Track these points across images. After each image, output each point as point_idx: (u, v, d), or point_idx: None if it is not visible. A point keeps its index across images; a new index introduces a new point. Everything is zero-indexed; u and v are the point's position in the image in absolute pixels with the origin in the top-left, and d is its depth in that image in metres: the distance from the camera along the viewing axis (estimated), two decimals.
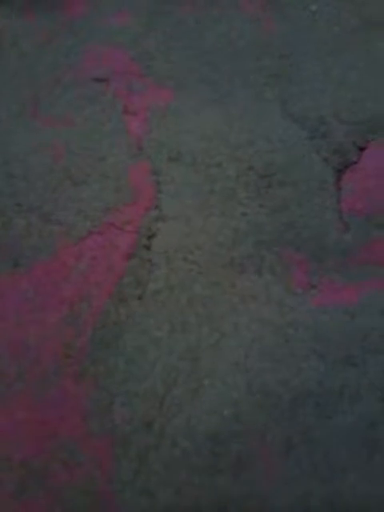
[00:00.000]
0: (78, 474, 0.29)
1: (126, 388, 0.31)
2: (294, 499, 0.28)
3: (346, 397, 0.30)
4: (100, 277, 0.34)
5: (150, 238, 0.36)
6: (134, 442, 0.29)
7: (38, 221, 0.37)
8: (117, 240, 0.36)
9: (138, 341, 0.32)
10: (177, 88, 0.43)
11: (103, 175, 0.39)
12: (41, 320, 0.33)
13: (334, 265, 0.35)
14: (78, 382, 0.31)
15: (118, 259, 0.35)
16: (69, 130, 0.42)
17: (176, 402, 0.30)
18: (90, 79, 0.45)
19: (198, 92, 0.42)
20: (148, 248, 0.35)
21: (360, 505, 0.28)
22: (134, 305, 0.33)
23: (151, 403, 0.31)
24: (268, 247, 0.35)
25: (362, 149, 0.39)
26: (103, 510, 0.28)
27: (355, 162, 0.39)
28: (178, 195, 0.38)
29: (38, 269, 0.35)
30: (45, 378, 0.31)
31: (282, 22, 0.47)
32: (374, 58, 0.44)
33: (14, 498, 0.28)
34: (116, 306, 0.33)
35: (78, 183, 0.39)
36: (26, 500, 0.28)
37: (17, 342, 0.32)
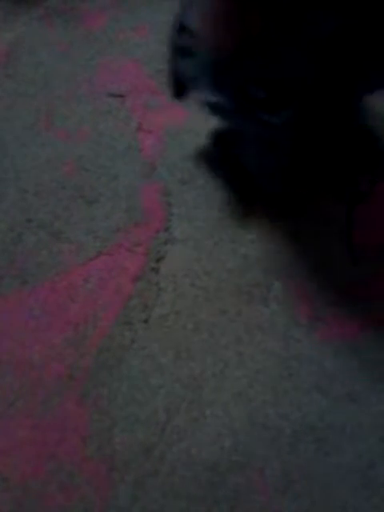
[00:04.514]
0: (75, 498, 0.29)
1: (127, 413, 0.31)
2: None
3: (346, 434, 0.30)
4: (107, 299, 0.34)
5: (158, 260, 0.36)
6: (133, 467, 0.29)
7: (47, 238, 0.37)
8: (125, 262, 0.36)
9: (141, 366, 0.32)
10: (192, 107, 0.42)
11: (115, 194, 0.39)
12: (46, 339, 0.33)
13: (341, 298, 0.35)
14: (79, 404, 0.31)
15: (126, 281, 0.35)
16: (82, 146, 0.42)
17: (177, 429, 0.30)
18: (106, 94, 0.45)
19: None
20: (156, 271, 0.35)
21: None
22: (139, 329, 0.33)
23: (152, 430, 0.30)
24: (276, 276, 0.35)
25: (374, 182, 0.39)
26: None
27: (367, 195, 0.39)
28: (189, 218, 0.38)
29: (46, 287, 0.35)
30: (47, 398, 0.31)
31: None
32: None
33: None
34: (121, 329, 0.33)
35: (90, 202, 0.39)
36: None
37: (21, 360, 0.32)
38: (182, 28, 0.34)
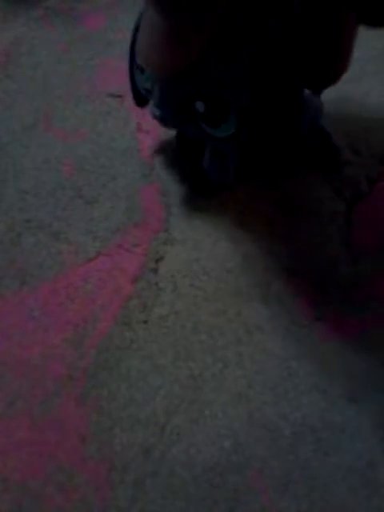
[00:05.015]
0: (74, 498, 0.29)
1: (126, 413, 0.31)
2: None
3: (346, 434, 0.30)
4: (106, 299, 0.34)
5: (157, 261, 0.36)
6: (133, 468, 0.29)
7: (47, 238, 0.37)
8: (124, 262, 0.36)
9: (141, 366, 0.32)
10: None
11: (114, 195, 0.39)
12: (45, 340, 0.33)
13: (340, 297, 0.35)
14: (79, 404, 0.31)
15: (125, 282, 0.35)
16: (81, 146, 0.42)
17: (176, 430, 0.30)
18: (105, 94, 0.45)
19: None
20: (155, 272, 0.35)
21: None
22: (138, 329, 0.33)
23: (151, 430, 0.30)
24: (275, 277, 0.35)
25: (374, 181, 0.39)
26: None
27: (367, 194, 0.39)
28: (188, 219, 0.38)
29: (45, 288, 0.34)
30: (46, 398, 0.31)
31: None
32: None
33: None
34: (120, 330, 0.33)
35: (89, 202, 0.39)
36: None
37: (20, 360, 0.32)
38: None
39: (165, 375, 0.31)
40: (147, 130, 0.42)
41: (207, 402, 0.30)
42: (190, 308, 0.33)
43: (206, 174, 0.34)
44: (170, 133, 0.40)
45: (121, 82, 0.43)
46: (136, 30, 0.33)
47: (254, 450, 0.29)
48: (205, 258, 0.35)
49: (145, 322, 0.33)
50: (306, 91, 0.33)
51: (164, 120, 0.33)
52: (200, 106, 0.31)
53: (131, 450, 0.29)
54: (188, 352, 0.32)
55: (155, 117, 0.33)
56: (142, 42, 0.27)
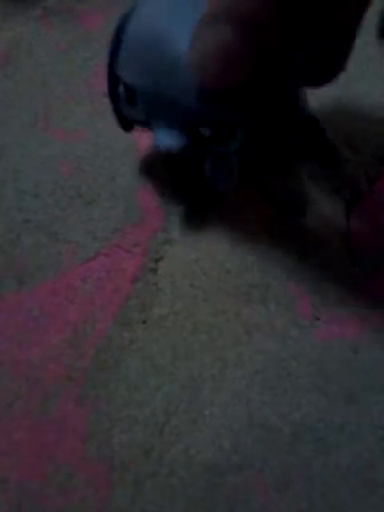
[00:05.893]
0: (73, 499, 0.29)
1: (126, 414, 0.31)
2: None
3: (346, 434, 0.30)
4: (105, 299, 0.34)
5: (156, 261, 0.36)
6: (132, 468, 0.29)
7: (46, 239, 0.37)
8: (123, 262, 0.35)
9: (140, 366, 0.32)
10: None
11: (113, 195, 0.39)
12: (44, 340, 0.33)
13: (340, 298, 0.35)
14: (78, 404, 0.31)
15: (124, 282, 0.35)
16: (80, 146, 0.42)
17: (176, 430, 0.30)
18: (104, 94, 0.45)
19: None
20: (154, 272, 0.35)
21: None
22: (137, 329, 0.33)
23: (151, 430, 0.30)
24: (275, 277, 0.35)
25: (373, 180, 0.39)
26: None
27: (366, 194, 0.39)
28: (187, 219, 0.38)
29: (44, 288, 0.34)
30: (45, 399, 0.31)
31: None
32: None
33: None
34: (120, 330, 0.33)
35: (88, 202, 0.39)
36: None
37: (19, 361, 0.32)
38: (114, 77, 0.34)
39: (164, 375, 0.31)
40: (146, 129, 0.42)
41: (207, 402, 0.30)
42: (189, 308, 0.33)
43: (208, 183, 0.34)
44: None
45: None
46: (118, 34, 0.32)
47: (253, 450, 0.29)
48: (204, 258, 0.35)
49: (144, 322, 0.33)
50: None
51: (174, 149, 0.32)
52: (205, 131, 0.31)
53: (131, 450, 0.29)
54: (187, 352, 0.32)
55: (160, 146, 0.33)
56: (204, 53, 0.26)
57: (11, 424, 0.30)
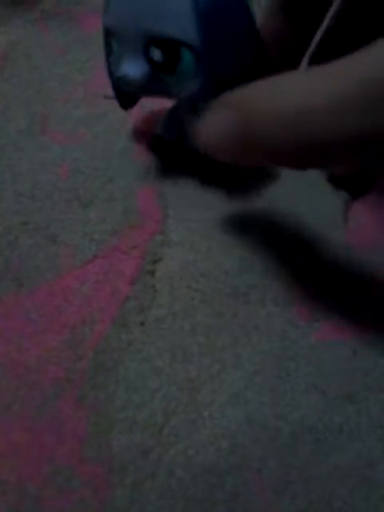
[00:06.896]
0: (73, 500, 0.29)
1: (124, 415, 0.31)
2: None
3: (345, 434, 0.30)
4: (103, 301, 0.34)
5: (154, 263, 0.36)
6: (131, 470, 0.29)
7: (44, 241, 0.37)
8: (121, 265, 0.35)
9: (138, 368, 0.32)
10: None
11: (111, 197, 0.39)
12: (42, 342, 0.33)
13: (339, 298, 0.35)
14: (77, 406, 0.31)
15: (122, 284, 0.35)
16: (78, 149, 0.42)
17: (174, 431, 0.30)
18: (101, 96, 0.45)
19: None
20: (152, 274, 0.35)
21: None
22: (135, 331, 0.33)
23: (150, 432, 0.30)
24: (273, 278, 0.35)
25: (373, 180, 0.39)
26: None
27: (366, 194, 0.39)
28: (185, 220, 0.38)
29: (42, 290, 0.34)
30: (44, 401, 0.31)
31: None
32: None
33: None
34: (118, 332, 0.33)
35: (86, 204, 0.39)
36: None
37: (17, 363, 0.32)
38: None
39: (162, 377, 0.31)
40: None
41: (205, 403, 0.30)
42: (187, 310, 0.33)
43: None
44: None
45: None
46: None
47: (252, 451, 0.29)
48: (202, 259, 0.35)
49: (142, 323, 0.33)
50: None
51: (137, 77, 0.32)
52: (157, 54, 0.31)
53: (129, 452, 0.29)
54: (185, 354, 0.32)
55: (126, 76, 0.32)
56: (215, 137, 0.25)
57: (9, 426, 0.30)
